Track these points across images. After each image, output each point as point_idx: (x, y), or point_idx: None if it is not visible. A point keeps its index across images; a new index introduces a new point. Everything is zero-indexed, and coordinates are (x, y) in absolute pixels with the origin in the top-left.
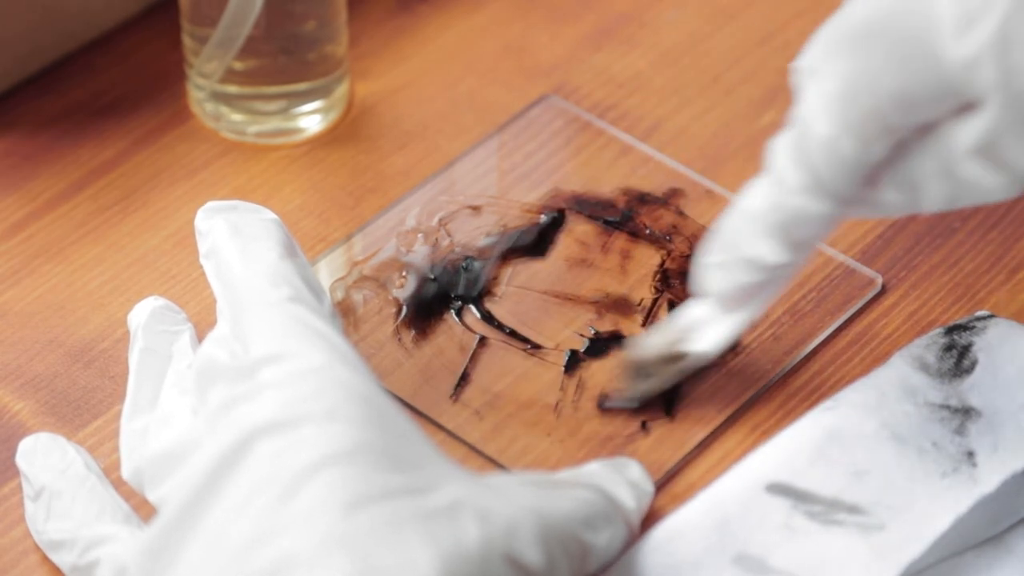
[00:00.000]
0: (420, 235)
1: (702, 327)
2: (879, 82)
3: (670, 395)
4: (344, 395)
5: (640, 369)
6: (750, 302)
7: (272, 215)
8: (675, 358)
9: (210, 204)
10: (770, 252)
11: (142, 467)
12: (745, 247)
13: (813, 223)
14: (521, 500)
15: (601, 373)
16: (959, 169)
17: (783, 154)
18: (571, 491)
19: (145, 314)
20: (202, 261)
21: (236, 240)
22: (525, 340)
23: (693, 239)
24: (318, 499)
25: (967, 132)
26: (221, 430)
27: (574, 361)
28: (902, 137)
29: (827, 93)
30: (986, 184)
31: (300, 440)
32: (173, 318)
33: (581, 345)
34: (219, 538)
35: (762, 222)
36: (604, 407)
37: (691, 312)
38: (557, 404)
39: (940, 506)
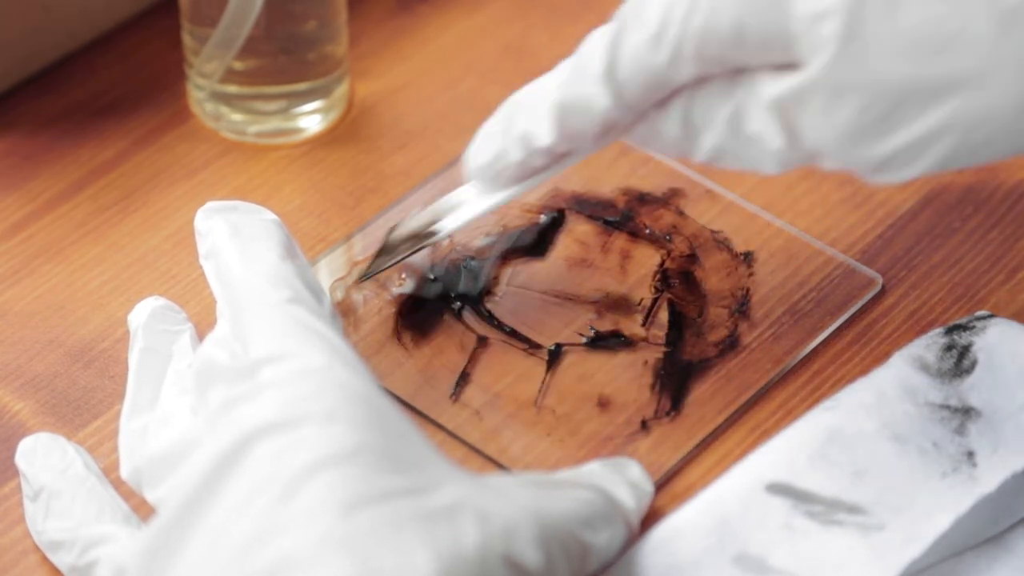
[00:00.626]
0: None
1: (457, 207)
2: (721, 8)
3: (677, 392)
4: (344, 396)
5: (389, 247)
6: (507, 185)
7: (272, 216)
8: (422, 236)
9: (210, 204)
10: (542, 132)
11: (141, 467)
12: (523, 121)
13: (590, 117)
14: (520, 500)
15: (601, 373)
16: (748, 121)
17: (595, 41)
18: (571, 491)
19: (145, 314)
20: (202, 261)
21: (236, 241)
22: (525, 340)
23: (693, 239)
24: (317, 500)
25: (776, 85)
26: (221, 430)
27: (556, 356)
28: (710, 71)
29: (665, 1)
30: (766, 144)
31: (300, 441)
32: (173, 318)
33: (580, 342)
34: (218, 538)
35: (546, 101)
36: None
37: (452, 195)
38: (536, 400)
39: (940, 506)
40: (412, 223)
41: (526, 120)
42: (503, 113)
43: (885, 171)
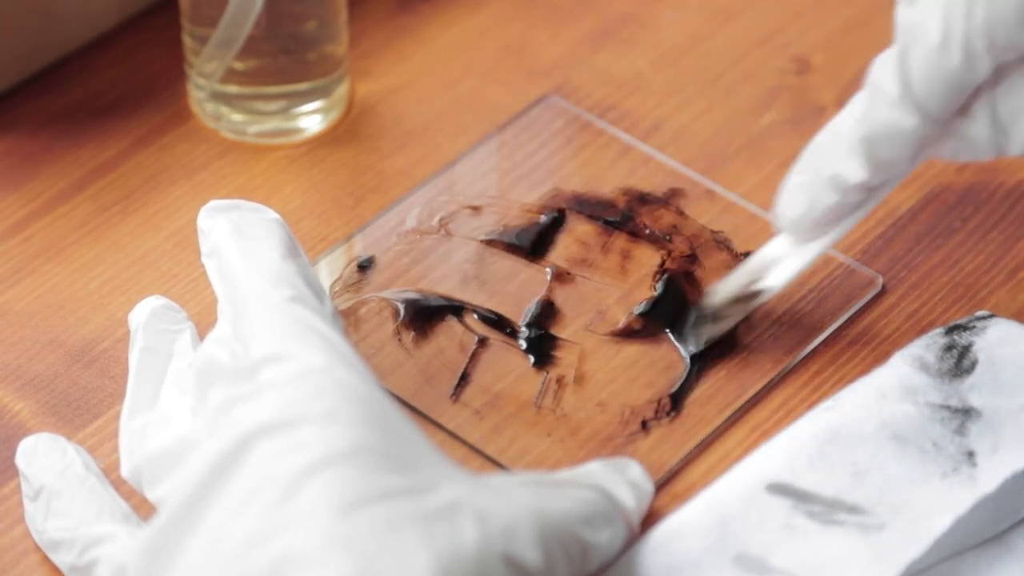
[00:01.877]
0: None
1: (774, 264)
2: None
3: (677, 392)
4: (344, 396)
5: (712, 313)
6: (825, 230)
7: (274, 215)
8: (747, 298)
9: (212, 203)
10: (854, 169)
11: (141, 466)
12: (830, 163)
13: (900, 141)
14: (520, 500)
15: (602, 373)
16: None
17: (883, 65)
18: (571, 491)
19: (145, 313)
20: (204, 260)
21: (238, 240)
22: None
23: (693, 239)
24: (317, 500)
25: None
26: (221, 430)
27: (542, 349)
28: (1005, 60)
29: (941, 6)
30: None
31: (300, 441)
32: (173, 317)
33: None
34: (218, 538)
35: (850, 137)
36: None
37: (765, 251)
38: (536, 400)
39: (940, 506)
40: (729, 286)
41: (833, 162)
42: (805, 162)
43: None
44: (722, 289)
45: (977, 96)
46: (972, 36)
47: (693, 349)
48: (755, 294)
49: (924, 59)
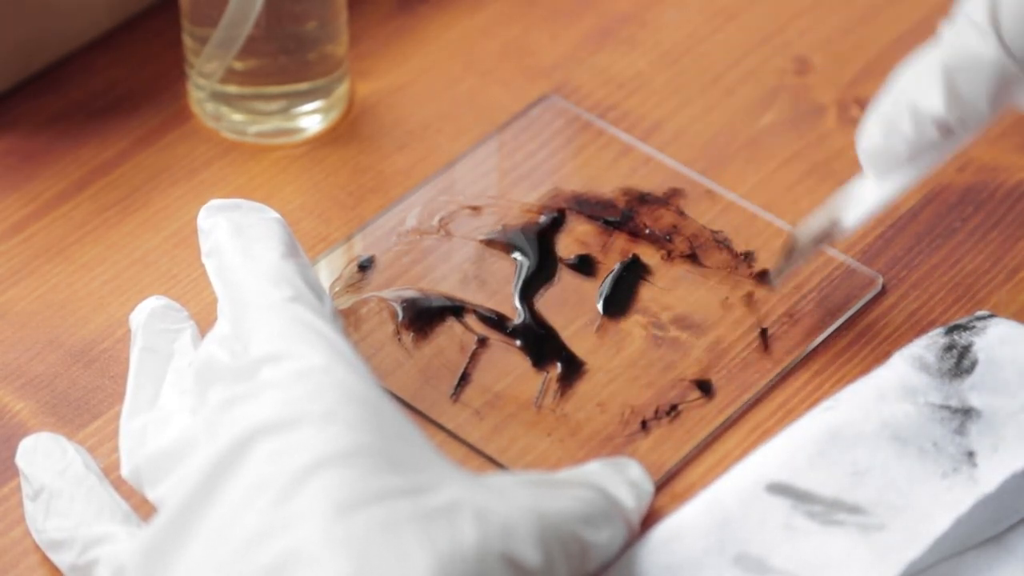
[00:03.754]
0: (420, 235)
1: (852, 202)
2: None
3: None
4: (343, 396)
5: (791, 249)
6: (902, 167)
7: (275, 214)
8: (827, 235)
9: (213, 202)
10: (933, 99)
11: (141, 465)
12: (908, 92)
13: (980, 74)
14: (520, 500)
15: (602, 373)
16: None
17: None
18: (570, 490)
19: (145, 314)
20: (204, 259)
21: (238, 239)
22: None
23: (693, 239)
24: (316, 499)
25: None
26: (221, 430)
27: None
28: None
29: None
30: None
31: (299, 441)
32: (174, 316)
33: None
34: (218, 537)
35: (932, 65)
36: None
37: (848, 190)
38: (536, 400)
39: (940, 506)
40: (814, 224)
41: (914, 89)
42: (888, 89)
43: None
44: (806, 228)
45: None
46: None
47: (771, 285)
48: (834, 231)
49: None
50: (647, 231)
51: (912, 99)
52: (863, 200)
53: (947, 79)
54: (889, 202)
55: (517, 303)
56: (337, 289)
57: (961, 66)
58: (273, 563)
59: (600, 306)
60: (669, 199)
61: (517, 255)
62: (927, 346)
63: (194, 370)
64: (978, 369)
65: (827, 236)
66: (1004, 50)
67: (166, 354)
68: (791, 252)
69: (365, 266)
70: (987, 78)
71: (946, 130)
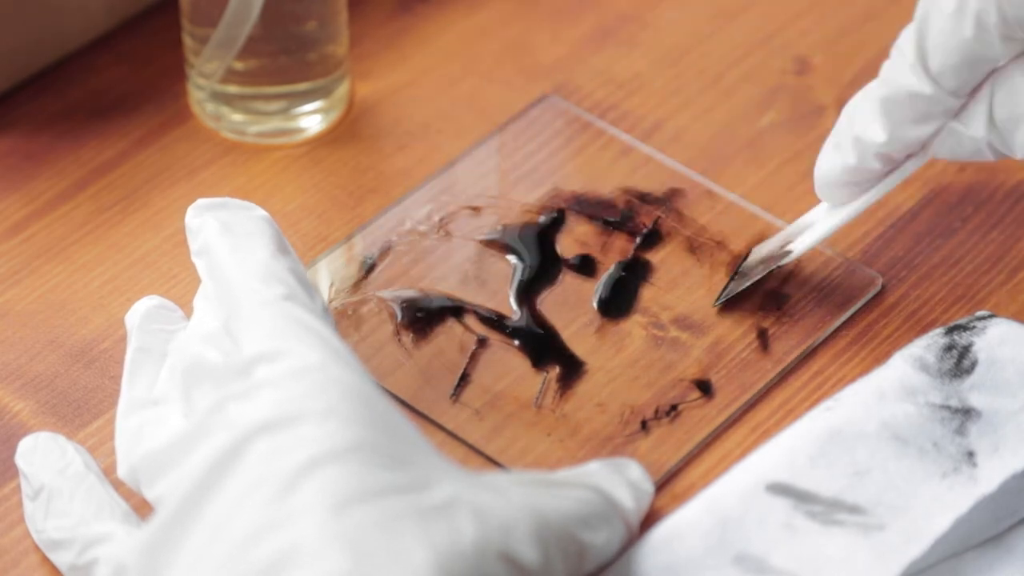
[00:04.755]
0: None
1: (807, 228)
2: None
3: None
4: (340, 393)
5: (744, 270)
6: (852, 195)
7: (262, 212)
8: (775, 258)
9: (200, 201)
10: (875, 130)
11: (137, 465)
12: (855, 123)
13: (915, 107)
14: (518, 498)
15: (602, 373)
16: None
17: (905, 32)
18: (569, 490)
19: (139, 314)
20: (193, 258)
21: (227, 238)
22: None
23: (693, 239)
24: (314, 496)
25: None
26: (217, 428)
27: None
28: (1017, 35)
29: None
30: None
31: (296, 438)
32: (168, 316)
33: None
34: (216, 535)
35: (871, 97)
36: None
37: (805, 216)
38: (536, 400)
39: (940, 506)
40: (765, 247)
41: (859, 120)
42: (839, 122)
43: None
44: (757, 250)
45: (988, 83)
46: (984, 9)
47: (715, 304)
48: (782, 255)
49: (938, 28)
50: (647, 231)
51: (857, 130)
52: (815, 226)
53: (884, 111)
54: (839, 228)
55: (513, 303)
56: (337, 289)
57: (895, 98)
58: (272, 559)
59: (599, 306)
60: (669, 199)
61: (512, 257)
62: (927, 346)
63: (179, 370)
64: (978, 369)
65: (774, 259)
66: (934, 85)
67: (161, 354)
68: (738, 274)
69: (365, 266)
70: (923, 111)
71: (888, 159)
